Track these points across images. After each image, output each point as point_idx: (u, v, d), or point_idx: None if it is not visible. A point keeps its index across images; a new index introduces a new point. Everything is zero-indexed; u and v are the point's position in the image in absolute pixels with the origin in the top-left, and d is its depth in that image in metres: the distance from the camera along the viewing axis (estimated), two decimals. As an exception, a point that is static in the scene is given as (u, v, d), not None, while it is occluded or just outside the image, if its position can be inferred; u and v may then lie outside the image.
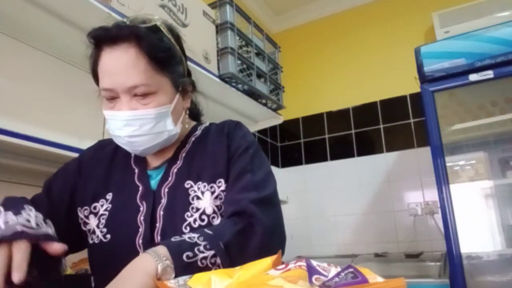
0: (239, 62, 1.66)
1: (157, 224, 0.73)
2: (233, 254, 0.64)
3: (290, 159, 2.77)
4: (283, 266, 0.45)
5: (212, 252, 0.61)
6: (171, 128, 0.76)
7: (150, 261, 0.56)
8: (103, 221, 0.76)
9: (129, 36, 0.72)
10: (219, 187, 0.76)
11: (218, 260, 0.62)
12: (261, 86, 1.80)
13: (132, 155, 0.84)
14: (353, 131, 2.60)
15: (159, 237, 0.72)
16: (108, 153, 0.86)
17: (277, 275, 0.43)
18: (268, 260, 0.49)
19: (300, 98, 2.78)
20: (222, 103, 1.78)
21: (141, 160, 0.83)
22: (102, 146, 0.89)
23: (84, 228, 0.79)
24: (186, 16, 1.45)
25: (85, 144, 0.93)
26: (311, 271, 0.43)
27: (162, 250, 0.59)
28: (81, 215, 0.80)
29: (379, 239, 2.34)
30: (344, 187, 2.52)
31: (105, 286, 0.59)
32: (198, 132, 0.86)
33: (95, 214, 0.78)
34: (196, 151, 0.82)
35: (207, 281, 0.46)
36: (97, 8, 1.04)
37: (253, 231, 0.67)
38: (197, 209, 0.73)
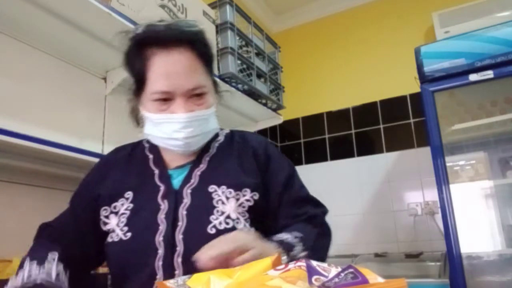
0: (239, 62, 1.66)
1: (179, 223, 0.74)
2: (317, 254, 0.71)
3: (290, 159, 2.75)
4: (283, 266, 0.45)
5: (306, 253, 0.69)
6: (216, 126, 0.82)
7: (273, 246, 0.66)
8: (123, 220, 0.76)
9: (183, 40, 0.76)
10: (244, 195, 0.78)
11: None
12: (261, 86, 1.80)
13: (150, 156, 0.85)
14: (353, 131, 2.60)
15: (180, 236, 0.73)
16: (124, 155, 0.87)
17: (276, 276, 0.43)
18: (268, 260, 0.49)
19: (300, 98, 2.78)
20: (222, 103, 1.77)
21: (160, 161, 0.84)
22: (118, 149, 0.91)
23: (104, 229, 0.79)
24: (186, 16, 1.44)
25: (85, 144, 0.93)
26: (311, 271, 0.43)
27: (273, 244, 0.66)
28: (101, 216, 0.80)
29: (379, 239, 2.34)
30: (344, 187, 2.51)
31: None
32: (221, 137, 0.88)
33: (116, 213, 0.78)
34: (221, 157, 0.84)
35: (206, 281, 0.45)
36: (97, 8, 1.04)
37: (326, 233, 0.83)
38: (222, 213, 0.75)
